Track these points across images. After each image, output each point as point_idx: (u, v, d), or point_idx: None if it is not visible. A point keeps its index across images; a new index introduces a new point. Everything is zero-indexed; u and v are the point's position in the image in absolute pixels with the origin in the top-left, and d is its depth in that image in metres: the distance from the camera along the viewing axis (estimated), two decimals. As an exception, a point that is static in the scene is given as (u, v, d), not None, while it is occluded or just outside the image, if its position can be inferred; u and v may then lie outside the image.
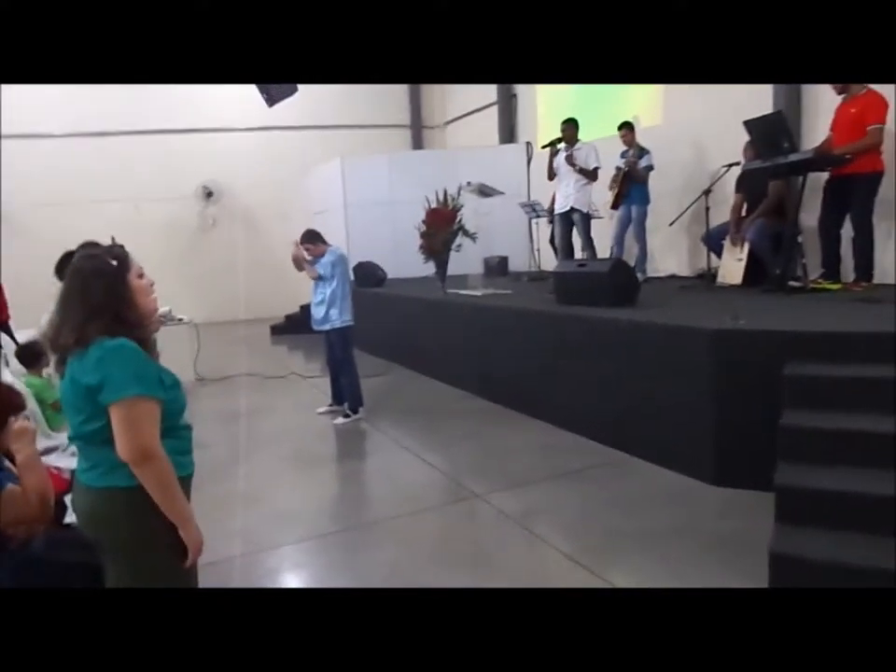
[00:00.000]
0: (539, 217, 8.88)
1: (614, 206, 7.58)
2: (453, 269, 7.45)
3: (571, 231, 6.42)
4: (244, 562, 3.46)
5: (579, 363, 4.97)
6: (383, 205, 10.48)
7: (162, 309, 7.61)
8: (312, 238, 5.71)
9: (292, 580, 3.32)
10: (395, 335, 8.14)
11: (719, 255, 6.83)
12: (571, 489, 4.09)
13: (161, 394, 1.89)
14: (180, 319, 7.55)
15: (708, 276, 6.67)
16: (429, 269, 7.47)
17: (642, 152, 7.32)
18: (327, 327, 5.70)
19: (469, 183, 7.21)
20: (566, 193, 6.23)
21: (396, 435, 5.37)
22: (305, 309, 11.31)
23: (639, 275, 7.61)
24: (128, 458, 1.81)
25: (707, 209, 6.39)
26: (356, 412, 5.84)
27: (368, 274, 9.50)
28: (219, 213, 13.10)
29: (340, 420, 5.79)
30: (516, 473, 4.39)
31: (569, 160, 6.12)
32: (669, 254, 8.29)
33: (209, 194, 12.81)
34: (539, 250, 9.57)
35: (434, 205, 7.25)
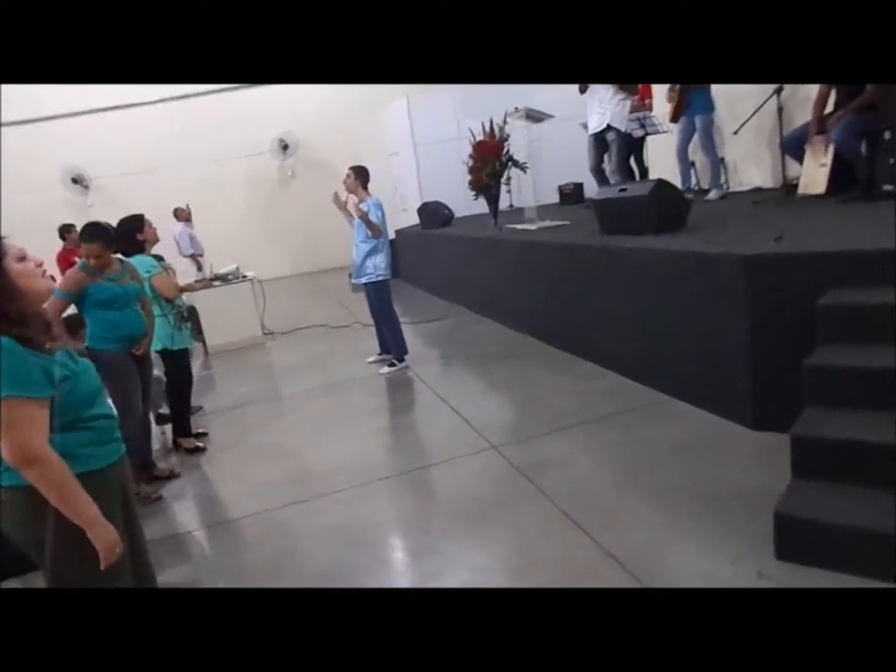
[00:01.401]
0: (647, 133, 8.13)
1: (674, 119, 6.86)
2: (528, 199, 7.07)
3: (605, 153, 5.83)
4: (256, 520, 3.52)
5: (618, 299, 4.59)
6: (451, 142, 10.13)
7: (229, 267, 7.83)
8: (361, 174, 5.55)
9: (281, 541, 3.33)
10: (455, 276, 7.95)
11: (801, 161, 6.04)
12: (596, 436, 3.82)
13: (45, 392, 1.80)
14: (244, 276, 7.69)
15: (789, 187, 5.95)
16: (504, 204, 7.15)
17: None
18: (363, 279, 5.61)
19: (515, 109, 6.74)
20: (600, 110, 5.64)
21: (436, 384, 5.26)
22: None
23: (714, 192, 6.93)
24: (10, 462, 1.75)
25: (780, 109, 5.63)
26: (400, 360, 5.77)
27: (433, 215, 9.28)
28: (297, 165, 13.24)
29: (385, 370, 5.74)
30: (545, 422, 4.16)
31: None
32: (751, 164, 7.44)
33: (285, 147, 12.95)
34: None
35: (480, 137, 6.87)
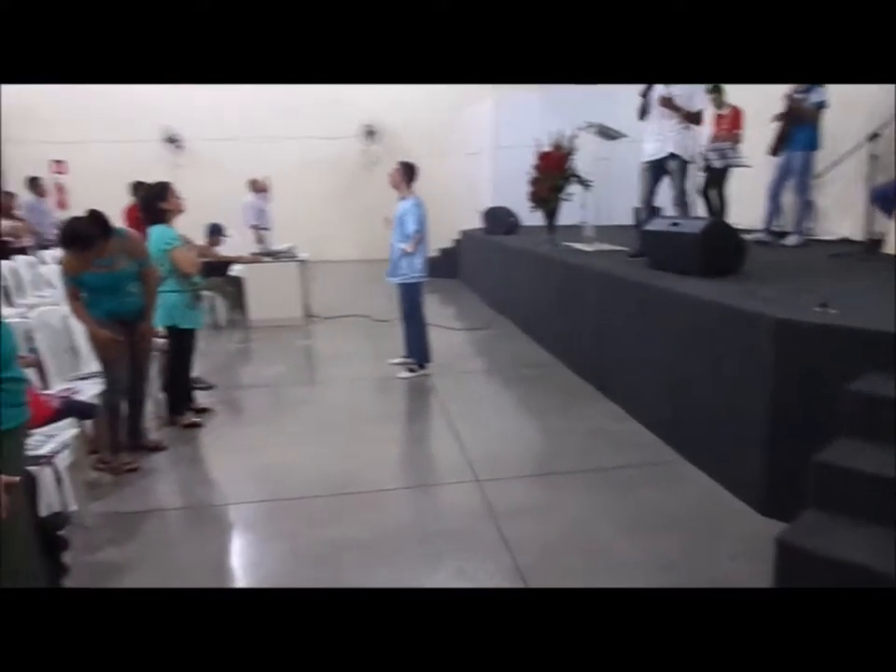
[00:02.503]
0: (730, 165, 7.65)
1: (773, 152, 6.33)
2: (594, 219, 6.71)
3: (658, 183, 5.35)
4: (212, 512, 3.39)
5: (649, 340, 4.21)
6: (531, 149, 9.78)
7: (284, 245, 7.82)
8: (407, 171, 5.36)
9: (218, 540, 3.16)
10: (506, 287, 7.67)
11: (890, 215, 5.44)
12: (590, 489, 3.48)
13: None
14: (295, 256, 7.66)
15: (872, 242, 5.40)
16: (574, 217, 6.81)
17: (811, 85, 5.94)
18: (397, 279, 5.42)
19: (588, 124, 6.37)
20: (660, 136, 5.20)
21: (449, 398, 5.01)
22: (445, 253, 11.23)
23: (794, 238, 6.38)
24: None
25: (874, 157, 5.08)
26: (421, 367, 5.55)
27: (497, 221, 9.01)
28: (382, 152, 13.19)
29: (403, 374, 5.54)
30: (542, 462, 3.90)
31: (667, 103, 4.98)
32: (841, 212, 6.80)
33: (371, 133, 12.93)
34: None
35: (546, 148, 6.55)
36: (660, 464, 3.76)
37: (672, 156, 5.12)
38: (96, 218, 3.58)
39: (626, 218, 7.72)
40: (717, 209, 6.95)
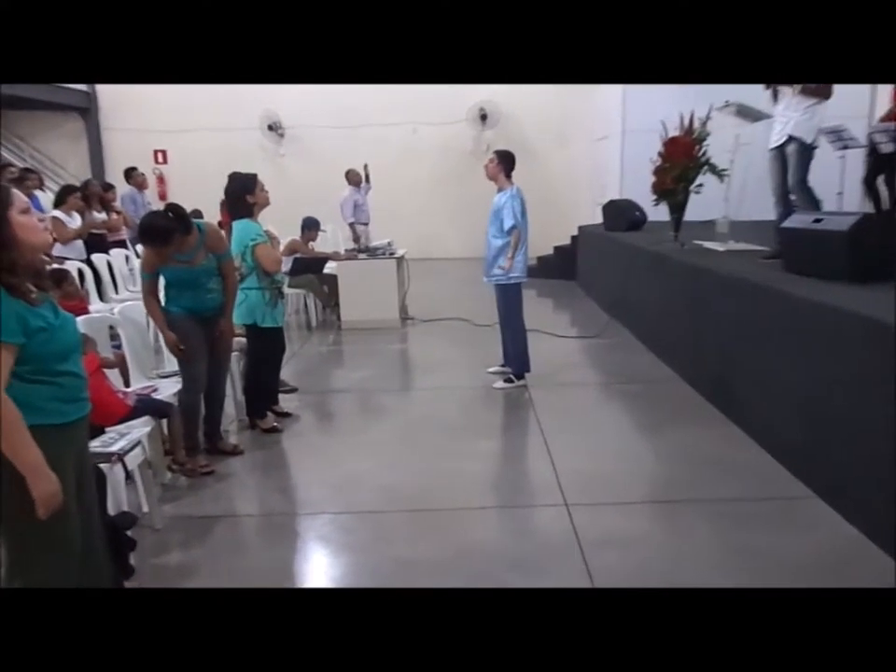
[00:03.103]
0: (847, 147, 7.29)
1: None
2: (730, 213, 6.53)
3: (787, 171, 5.11)
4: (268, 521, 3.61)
5: (786, 358, 4.04)
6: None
7: (381, 241, 8.11)
8: (505, 160, 5.43)
9: (285, 551, 3.35)
10: (623, 291, 7.56)
11: None
12: (697, 522, 3.41)
13: (14, 339, 1.99)
14: (392, 253, 7.91)
15: None
16: (713, 212, 6.64)
17: None
18: (492, 280, 5.51)
19: (726, 103, 6.19)
20: (783, 118, 4.97)
21: (547, 413, 5.02)
22: (561, 252, 11.20)
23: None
24: None
25: None
26: (519, 377, 5.60)
27: (619, 215, 8.89)
28: (495, 138, 13.30)
29: (499, 384, 5.61)
30: (647, 488, 3.86)
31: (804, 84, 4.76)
32: None
33: (484, 117, 13.09)
34: (841, 193, 7.90)
35: (675, 133, 6.42)
36: (785, 500, 3.61)
37: (790, 139, 4.93)
38: (175, 212, 3.90)
39: (771, 213, 7.42)
40: (885, 202, 6.56)
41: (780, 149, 5.15)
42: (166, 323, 4.01)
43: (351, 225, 9.89)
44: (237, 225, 4.58)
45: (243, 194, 4.56)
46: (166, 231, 3.82)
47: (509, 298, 5.50)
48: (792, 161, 5.03)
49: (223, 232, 4.41)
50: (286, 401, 5.28)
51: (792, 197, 5.26)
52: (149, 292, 4.03)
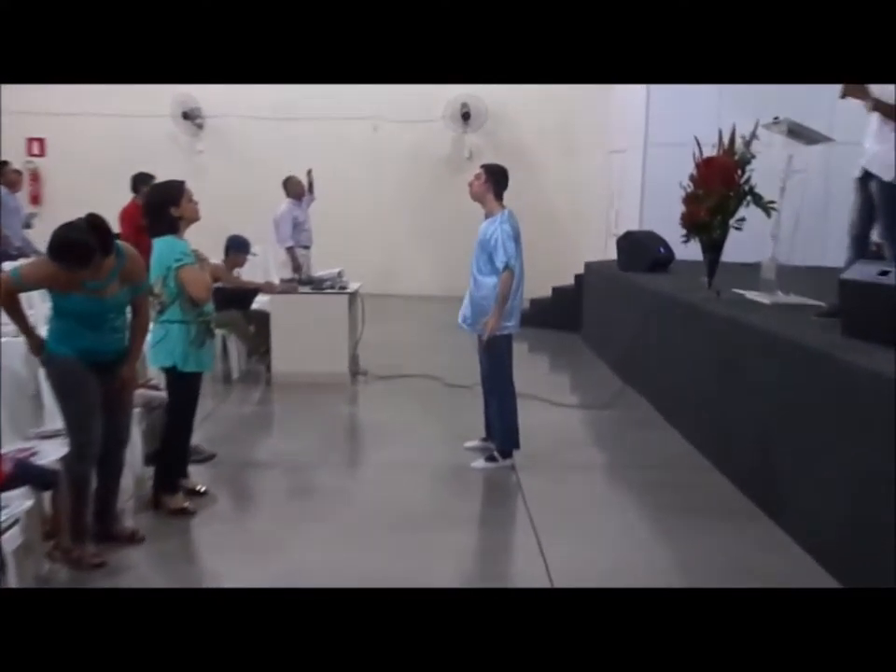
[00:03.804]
0: None
1: None
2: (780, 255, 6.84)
3: (872, 209, 5.47)
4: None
5: (839, 447, 4.31)
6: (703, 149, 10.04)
7: (330, 271, 8.34)
8: (495, 178, 5.69)
9: None
10: (641, 349, 7.86)
11: None
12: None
13: None
14: (343, 287, 8.13)
15: None
16: (758, 253, 6.91)
17: None
18: (476, 329, 5.77)
19: (775, 119, 6.59)
20: (870, 150, 5.35)
21: (537, 501, 5.24)
22: (562, 295, 11.53)
23: None
24: None
25: None
26: (506, 455, 5.81)
27: (639, 251, 9.25)
28: (480, 143, 13.73)
29: (479, 463, 5.82)
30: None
31: (877, 104, 5.11)
32: None
33: (466, 116, 13.48)
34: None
35: (711, 151, 6.80)
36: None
37: (869, 175, 5.31)
38: (97, 227, 4.05)
39: (829, 258, 7.80)
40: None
41: (864, 181, 5.49)
42: (58, 373, 4.18)
43: (289, 249, 10.07)
44: (158, 243, 4.78)
45: (166, 205, 4.77)
46: (85, 249, 3.96)
47: (496, 353, 5.74)
48: (877, 200, 5.37)
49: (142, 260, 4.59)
50: (199, 473, 5.41)
51: (876, 239, 5.56)
52: (11, 292, 4.14)
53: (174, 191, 4.83)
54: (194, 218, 4.89)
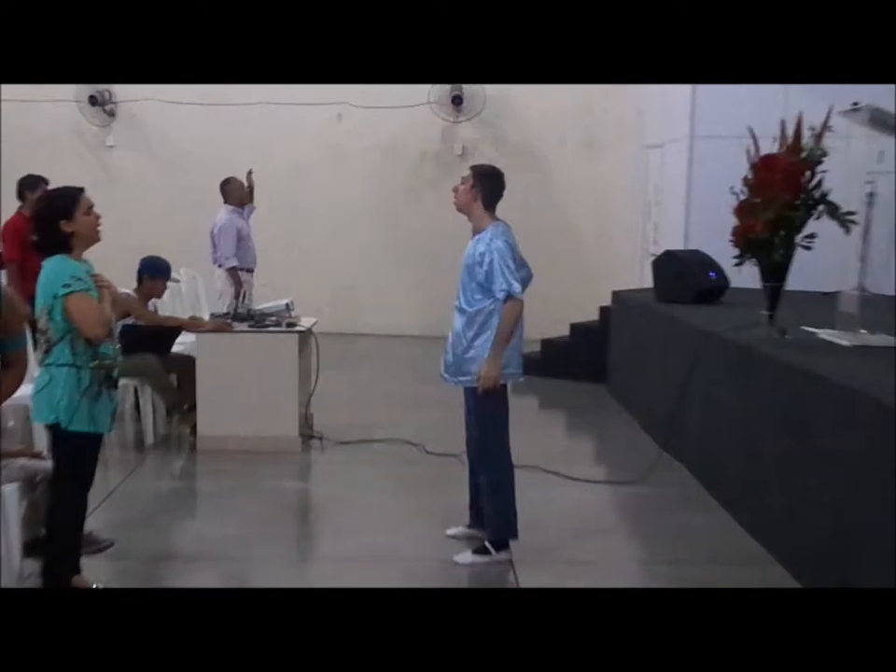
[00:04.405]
0: None
1: None
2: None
3: None
4: None
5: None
6: (762, 141, 10.05)
7: (275, 302, 8.32)
8: (486, 182, 5.67)
9: None
10: (685, 405, 7.79)
11: None
12: None
13: None
14: (291, 324, 8.08)
15: None
16: (834, 280, 6.84)
17: None
18: (461, 379, 5.72)
19: (855, 105, 6.59)
20: None
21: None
22: (581, 334, 11.51)
23: None
24: None
25: None
26: (499, 547, 5.74)
27: (683, 276, 9.21)
28: (476, 135, 13.79)
29: (465, 557, 5.76)
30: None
31: None
32: None
33: (457, 100, 13.51)
34: None
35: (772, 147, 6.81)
36: None
37: None
38: None
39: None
40: None
41: None
42: None
43: (232, 271, 10.05)
44: (47, 265, 4.74)
45: (55, 218, 4.74)
46: None
47: (487, 410, 5.68)
48: None
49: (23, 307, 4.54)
50: (93, 568, 5.29)
51: None
52: None
53: (66, 201, 4.81)
54: (91, 235, 4.87)
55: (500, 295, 5.43)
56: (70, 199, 4.81)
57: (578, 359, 11.23)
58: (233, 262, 10.08)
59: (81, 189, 4.89)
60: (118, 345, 5.00)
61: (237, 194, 10.31)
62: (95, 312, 4.80)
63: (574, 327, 11.74)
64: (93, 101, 13.83)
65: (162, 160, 13.62)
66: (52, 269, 4.74)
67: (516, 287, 5.44)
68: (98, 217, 4.88)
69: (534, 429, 8.65)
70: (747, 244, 6.83)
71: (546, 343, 11.47)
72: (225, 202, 10.30)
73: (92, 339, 4.76)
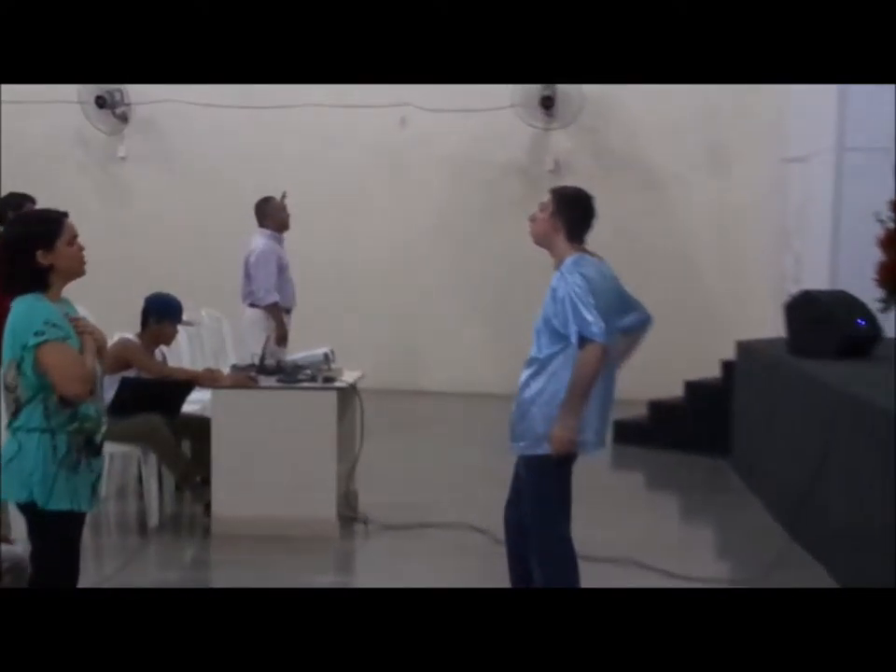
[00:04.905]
0: None
1: None
2: None
3: None
4: None
5: None
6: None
7: (312, 352, 8.31)
8: (568, 208, 5.64)
9: None
10: (818, 483, 7.71)
11: None
12: None
13: None
14: (327, 379, 8.06)
15: None
16: None
17: None
18: (519, 446, 5.78)
19: None
20: None
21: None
22: (696, 393, 11.44)
23: None
24: None
25: None
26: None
27: (823, 323, 9.11)
28: (574, 145, 13.84)
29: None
30: None
31: None
32: None
33: (548, 102, 13.55)
34: None
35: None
36: None
37: None
38: None
39: None
40: None
41: None
42: None
43: (274, 308, 10.03)
44: (17, 307, 4.75)
45: (29, 248, 4.74)
46: None
47: (544, 483, 5.72)
48: None
49: None
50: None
51: None
52: None
53: (46, 226, 4.80)
54: (74, 270, 4.83)
55: (574, 338, 5.42)
56: (52, 223, 4.79)
57: (694, 426, 11.13)
58: (275, 297, 10.12)
59: (65, 214, 4.90)
60: (101, 403, 4.99)
61: (278, 217, 10.35)
62: (74, 365, 4.77)
63: (690, 385, 11.66)
64: (101, 102, 13.95)
65: (184, 174, 13.67)
66: (23, 312, 4.72)
67: (595, 328, 5.35)
68: (82, 250, 4.86)
69: (633, 512, 8.61)
70: (893, 281, 6.77)
71: (655, 406, 11.40)
72: (261, 225, 10.37)
73: (71, 398, 4.75)
